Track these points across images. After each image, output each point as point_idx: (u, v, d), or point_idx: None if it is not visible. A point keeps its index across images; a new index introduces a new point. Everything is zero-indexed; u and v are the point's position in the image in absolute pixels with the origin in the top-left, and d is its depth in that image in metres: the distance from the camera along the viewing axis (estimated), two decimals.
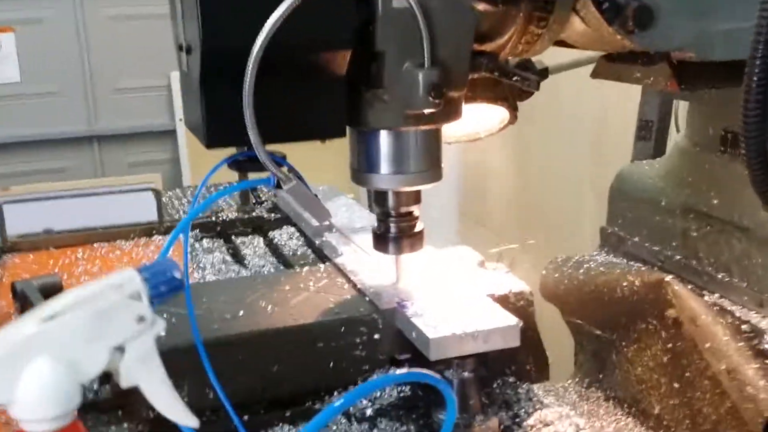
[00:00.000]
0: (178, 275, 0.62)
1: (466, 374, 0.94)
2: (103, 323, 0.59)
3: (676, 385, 1.11)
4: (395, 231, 1.04)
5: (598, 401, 1.31)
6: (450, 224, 3.30)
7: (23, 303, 1.29)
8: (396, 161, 0.98)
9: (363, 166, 1.00)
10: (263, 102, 0.85)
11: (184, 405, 0.64)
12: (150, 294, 0.61)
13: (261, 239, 1.67)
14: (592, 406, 1.30)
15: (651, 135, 1.48)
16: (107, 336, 0.59)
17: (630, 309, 1.19)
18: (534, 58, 1.09)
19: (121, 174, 3.85)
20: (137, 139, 3.99)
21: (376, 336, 0.99)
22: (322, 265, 1.17)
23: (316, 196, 0.97)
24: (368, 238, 1.09)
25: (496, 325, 0.94)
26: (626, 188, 1.31)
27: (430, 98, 0.87)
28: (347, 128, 0.97)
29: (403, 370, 0.61)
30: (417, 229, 1.05)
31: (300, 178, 0.98)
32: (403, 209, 1.03)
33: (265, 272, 1.47)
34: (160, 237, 1.71)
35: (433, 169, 1.00)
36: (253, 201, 1.87)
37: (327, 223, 1.00)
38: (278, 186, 0.92)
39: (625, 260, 1.27)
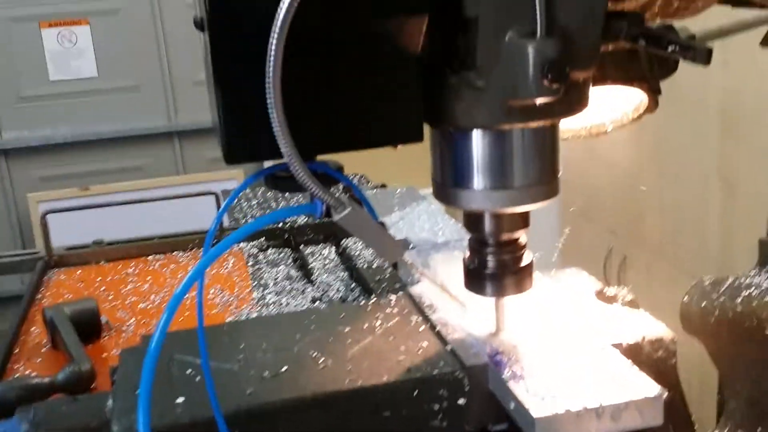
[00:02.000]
0: None
1: None
2: None
3: None
4: (494, 266, 0.77)
5: None
6: (551, 218, 2.97)
7: (53, 332, 1.13)
8: (495, 172, 0.71)
9: (449, 179, 0.74)
10: (304, 96, 0.63)
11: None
12: None
13: (332, 248, 1.48)
14: None
15: None
16: None
17: None
18: (677, 24, 0.80)
19: (202, 171, 3.69)
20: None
21: (461, 401, 0.74)
22: (393, 297, 0.93)
23: (382, 224, 0.72)
24: (452, 259, 0.84)
25: (631, 397, 0.67)
26: None
27: (546, 82, 0.60)
28: (426, 128, 0.72)
29: None
30: (524, 262, 0.78)
31: (361, 200, 0.74)
32: (506, 236, 0.76)
33: (333, 291, 1.27)
34: None
35: (546, 183, 0.73)
36: None
37: (401, 257, 0.75)
38: (327, 214, 0.68)
39: None
